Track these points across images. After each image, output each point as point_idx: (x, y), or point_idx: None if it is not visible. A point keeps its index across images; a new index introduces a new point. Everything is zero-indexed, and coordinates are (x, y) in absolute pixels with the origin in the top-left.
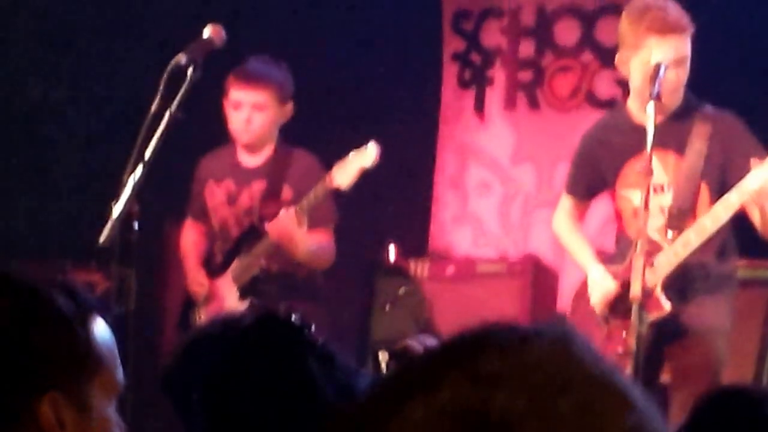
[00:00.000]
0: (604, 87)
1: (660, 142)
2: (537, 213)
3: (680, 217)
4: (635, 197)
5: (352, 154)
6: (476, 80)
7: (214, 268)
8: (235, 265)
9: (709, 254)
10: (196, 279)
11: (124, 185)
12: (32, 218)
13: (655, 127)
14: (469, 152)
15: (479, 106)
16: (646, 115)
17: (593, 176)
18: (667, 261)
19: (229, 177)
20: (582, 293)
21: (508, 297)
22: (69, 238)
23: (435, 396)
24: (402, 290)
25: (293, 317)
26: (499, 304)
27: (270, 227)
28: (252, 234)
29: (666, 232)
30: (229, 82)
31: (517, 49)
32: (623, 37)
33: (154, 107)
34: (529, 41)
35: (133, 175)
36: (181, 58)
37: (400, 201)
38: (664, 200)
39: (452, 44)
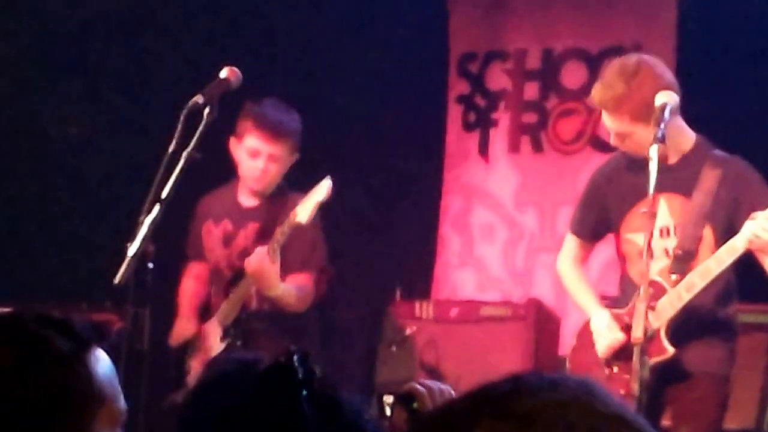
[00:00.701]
0: (608, 130)
1: (668, 185)
2: (540, 257)
3: (684, 260)
4: (640, 240)
5: (311, 192)
6: (481, 123)
7: (210, 311)
8: (223, 306)
9: (709, 298)
10: (181, 325)
11: (141, 225)
12: (47, 258)
13: (665, 169)
14: (473, 194)
15: (483, 148)
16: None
17: (600, 218)
18: (671, 304)
19: (227, 218)
20: (584, 335)
21: (511, 340)
22: (84, 278)
23: None
24: (407, 332)
25: (296, 362)
26: (502, 347)
27: (246, 263)
28: (240, 275)
29: (670, 275)
30: (246, 128)
31: (522, 92)
32: None
33: (171, 147)
34: (533, 84)
35: (149, 215)
36: (198, 98)
37: (406, 242)
38: (669, 243)
39: (457, 87)
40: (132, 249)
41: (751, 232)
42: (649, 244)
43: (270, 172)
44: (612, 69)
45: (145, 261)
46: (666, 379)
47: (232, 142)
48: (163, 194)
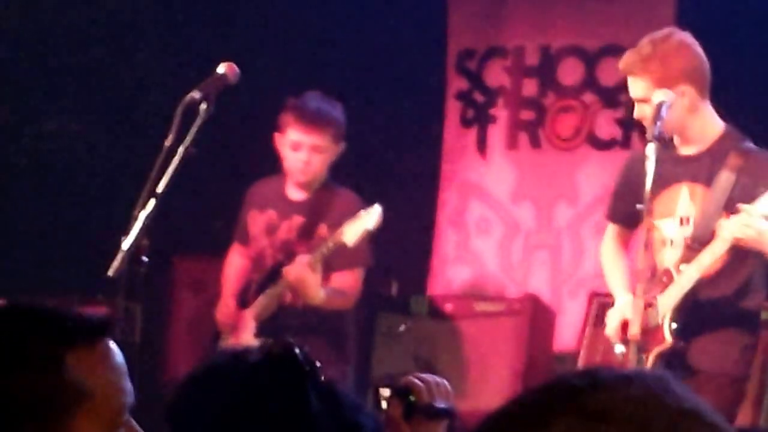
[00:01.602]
0: (605, 127)
1: (690, 175)
2: (536, 253)
3: (696, 250)
4: (665, 227)
5: (361, 213)
6: (479, 119)
7: (246, 298)
8: (259, 300)
9: (729, 291)
10: (223, 307)
11: (135, 219)
12: (41, 250)
13: (688, 159)
14: (470, 190)
15: (481, 144)
16: (686, 146)
17: (632, 205)
18: (674, 294)
19: (272, 207)
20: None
21: (507, 335)
22: (77, 270)
23: (548, 430)
24: (402, 326)
25: (299, 353)
26: (497, 342)
27: (286, 270)
28: (279, 272)
29: (679, 264)
30: (287, 122)
31: (520, 89)
32: None
33: (167, 142)
34: (532, 81)
35: (144, 209)
36: (195, 93)
37: (403, 237)
38: (688, 232)
39: (456, 83)
40: (126, 243)
41: (733, 229)
42: (647, 243)
43: (314, 163)
44: (645, 38)
45: (138, 255)
46: (672, 371)
47: (276, 138)
48: (159, 189)
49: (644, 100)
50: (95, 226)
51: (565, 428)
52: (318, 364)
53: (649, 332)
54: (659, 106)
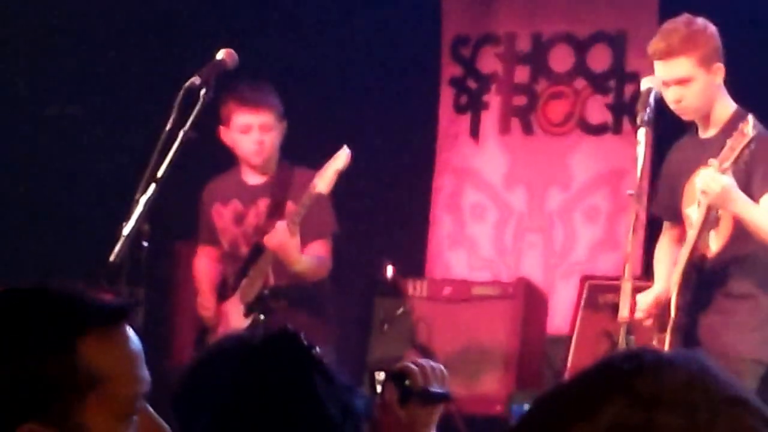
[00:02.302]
0: (596, 112)
1: (705, 159)
2: (528, 237)
3: (703, 230)
4: (692, 213)
5: (329, 161)
6: (472, 105)
7: (226, 290)
8: (243, 283)
9: (752, 280)
10: (203, 304)
11: (136, 204)
12: (42, 237)
13: (702, 143)
14: (464, 175)
15: (475, 130)
16: (702, 130)
17: (672, 201)
18: (677, 270)
19: (235, 198)
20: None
21: (501, 318)
22: (80, 256)
23: (601, 416)
24: (399, 310)
25: (301, 336)
26: (492, 325)
27: (266, 239)
28: (258, 252)
29: (635, 226)
30: (231, 109)
31: (513, 75)
32: None
33: (167, 128)
34: (524, 67)
35: (144, 194)
36: (195, 79)
37: (398, 222)
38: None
39: (449, 70)
40: (127, 228)
41: (701, 182)
42: (634, 228)
43: (266, 142)
44: (666, 24)
45: (140, 240)
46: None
47: (222, 132)
48: (159, 174)
49: (686, 80)
50: (97, 212)
51: (616, 413)
52: (318, 348)
53: (666, 311)
54: (648, 92)
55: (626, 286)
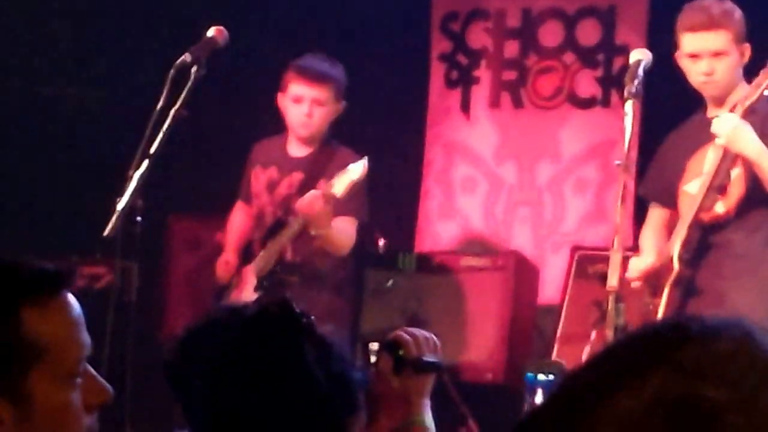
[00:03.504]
0: (585, 86)
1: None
2: (519, 210)
3: (709, 197)
4: (693, 188)
5: (349, 166)
6: (462, 80)
7: (248, 255)
8: (260, 256)
9: (739, 232)
10: (223, 263)
11: (129, 180)
12: (38, 212)
13: (715, 119)
14: (455, 149)
15: (465, 105)
16: (713, 109)
17: (668, 183)
18: (680, 229)
19: (274, 164)
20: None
21: (492, 289)
22: (76, 230)
23: (644, 386)
24: (390, 282)
25: (293, 306)
26: (482, 296)
27: (299, 204)
28: (279, 227)
29: (691, 205)
30: (289, 78)
31: (502, 50)
32: (676, 38)
33: (159, 104)
34: (513, 42)
35: (138, 170)
36: (186, 57)
37: (390, 195)
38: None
39: (440, 45)
40: (121, 203)
41: (715, 124)
42: (623, 197)
43: (315, 116)
44: (700, 1)
45: (133, 215)
46: (685, 296)
47: (279, 98)
48: (152, 150)
49: (722, 53)
50: (92, 188)
51: (661, 382)
52: (312, 317)
53: (663, 271)
54: (637, 64)
55: (615, 257)
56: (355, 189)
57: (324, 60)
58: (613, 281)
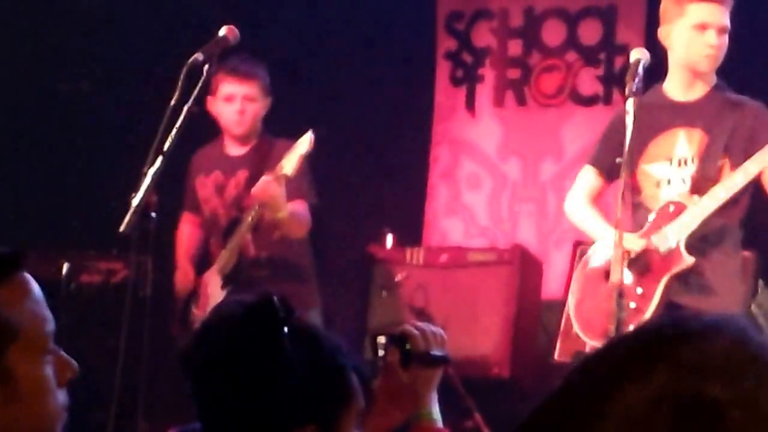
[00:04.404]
0: (587, 84)
1: (689, 120)
2: (523, 205)
3: (704, 185)
4: (657, 170)
5: (295, 144)
6: (467, 78)
7: (208, 260)
8: (222, 255)
9: (734, 221)
10: (180, 275)
11: (144, 176)
12: (55, 208)
13: (686, 105)
14: (460, 147)
15: (470, 103)
16: (683, 92)
17: (619, 155)
18: (693, 217)
19: (217, 169)
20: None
21: (497, 284)
22: (91, 227)
23: (648, 383)
24: (398, 277)
25: (276, 301)
26: (488, 291)
27: (253, 190)
28: (235, 225)
29: (691, 195)
30: (218, 79)
31: (506, 49)
32: (664, 12)
33: (173, 102)
34: (517, 41)
35: (152, 166)
36: (199, 55)
37: (397, 192)
38: (686, 173)
39: (445, 44)
40: (136, 200)
41: (759, 161)
42: (623, 196)
43: (248, 112)
44: None
45: (148, 211)
46: (687, 288)
47: (209, 102)
48: (165, 147)
49: (724, 30)
50: (107, 185)
51: (665, 379)
52: (296, 310)
53: (662, 258)
54: (636, 63)
55: (617, 252)
56: (304, 166)
57: (247, 58)
58: (615, 276)
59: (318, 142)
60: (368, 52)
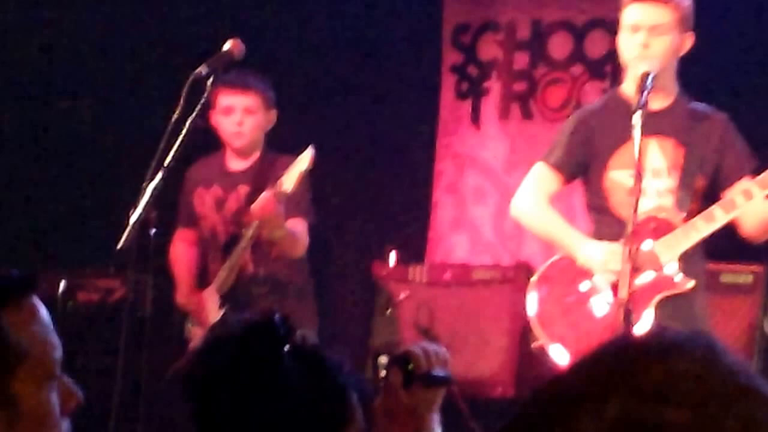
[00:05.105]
0: (593, 98)
1: (658, 128)
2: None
3: (685, 202)
4: (625, 178)
5: (295, 161)
6: (473, 92)
7: (206, 278)
8: (219, 274)
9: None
10: (181, 295)
11: (144, 192)
12: (52, 225)
13: (654, 113)
14: (465, 160)
15: (475, 116)
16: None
17: (582, 157)
18: (680, 243)
19: (216, 183)
20: (556, 272)
21: (502, 302)
22: (89, 243)
23: (603, 409)
24: (402, 295)
25: (276, 319)
26: (493, 309)
27: (252, 207)
28: (234, 242)
29: (678, 212)
30: (217, 92)
31: (512, 62)
32: (620, 18)
33: (174, 117)
34: (523, 54)
35: (152, 182)
36: (202, 69)
37: (400, 208)
38: (661, 184)
39: (450, 57)
40: (134, 216)
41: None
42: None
43: (246, 125)
44: None
45: (147, 227)
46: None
47: (212, 116)
48: (166, 163)
49: (662, 30)
50: (106, 200)
51: (621, 408)
52: (298, 330)
53: (652, 278)
54: (645, 76)
55: (625, 268)
56: (304, 183)
57: (248, 72)
58: (623, 293)
59: (320, 155)
60: (372, 65)
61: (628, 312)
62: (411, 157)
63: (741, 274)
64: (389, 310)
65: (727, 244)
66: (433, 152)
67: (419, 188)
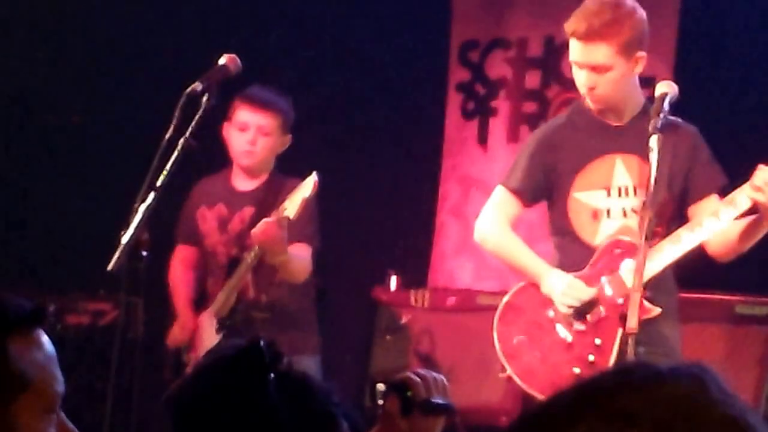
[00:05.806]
0: None
1: (623, 146)
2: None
3: (654, 223)
4: (594, 199)
5: (299, 186)
6: (480, 111)
7: (205, 300)
8: (218, 297)
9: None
10: (180, 324)
11: (135, 212)
12: (41, 246)
13: (618, 130)
14: (471, 183)
15: (482, 137)
16: (607, 115)
17: (544, 179)
18: (650, 267)
19: (221, 202)
20: (519, 301)
21: None
22: (79, 266)
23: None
24: (403, 320)
25: (263, 346)
26: None
27: (253, 232)
28: (236, 265)
29: (644, 234)
30: (236, 105)
31: (523, 80)
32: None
33: (168, 134)
34: (535, 72)
35: (144, 202)
36: (197, 85)
37: (403, 231)
38: (628, 203)
39: (457, 75)
40: (126, 237)
41: (753, 187)
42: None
43: (258, 145)
44: (592, 2)
45: (138, 249)
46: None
47: (225, 128)
48: (159, 182)
49: (603, 68)
50: (96, 221)
51: (586, 429)
52: (285, 356)
53: (617, 305)
54: (662, 97)
55: (635, 296)
56: (308, 208)
57: (271, 91)
58: (632, 322)
59: (324, 176)
60: (376, 83)
61: (637, 342)
62: (415, 177)
63: (756, 306)
64: (389, 336)
65: (744, 276)
66: (438, 173)
67: (422, 210)
